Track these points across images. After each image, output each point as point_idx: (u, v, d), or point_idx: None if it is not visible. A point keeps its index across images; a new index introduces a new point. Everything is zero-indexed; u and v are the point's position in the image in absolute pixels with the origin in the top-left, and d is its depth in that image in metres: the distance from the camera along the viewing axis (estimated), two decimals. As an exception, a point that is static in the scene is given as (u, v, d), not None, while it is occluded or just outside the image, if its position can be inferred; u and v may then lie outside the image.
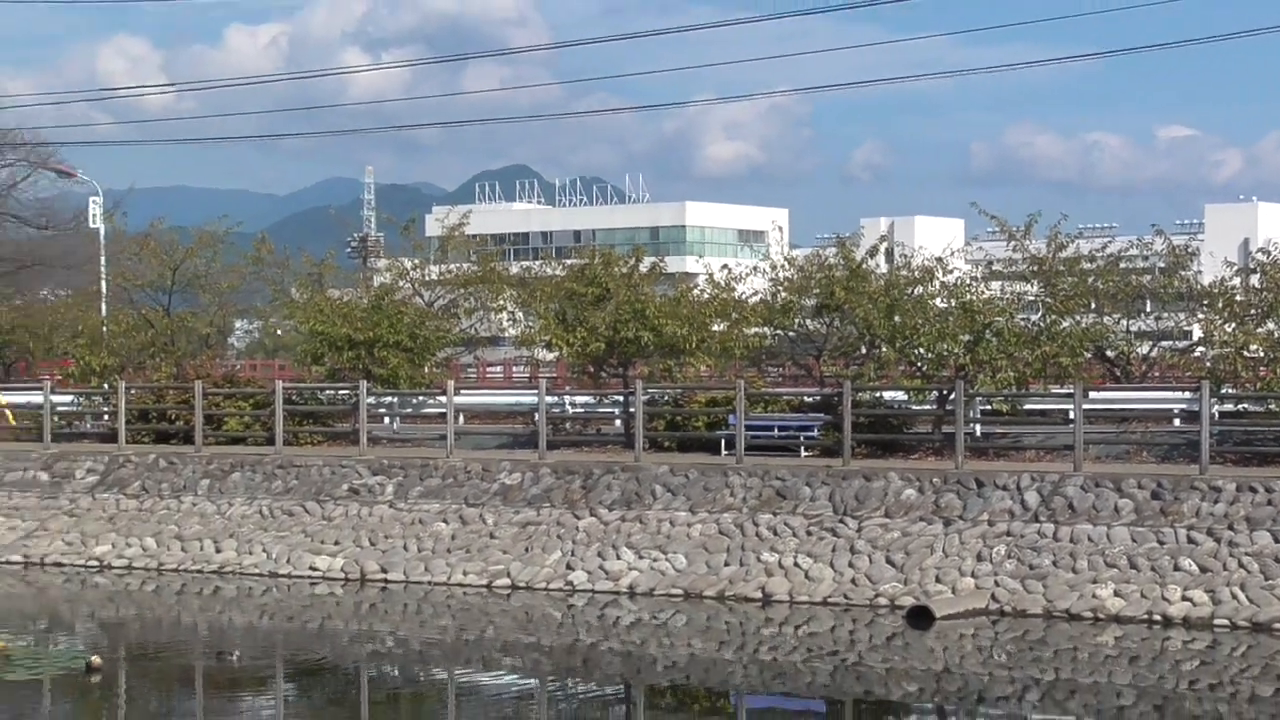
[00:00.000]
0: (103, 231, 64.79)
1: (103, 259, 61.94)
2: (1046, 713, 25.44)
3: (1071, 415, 36.00)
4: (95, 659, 27.42)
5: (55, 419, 47.07)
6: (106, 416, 48.09)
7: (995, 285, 45.17)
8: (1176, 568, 30.63)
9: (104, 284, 59.51)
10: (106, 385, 48.07)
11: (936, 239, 63.89)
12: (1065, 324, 39.63)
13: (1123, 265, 44.57)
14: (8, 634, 30.73)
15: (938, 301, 40.87)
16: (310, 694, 27.37)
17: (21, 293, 65.52)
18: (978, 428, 38.75)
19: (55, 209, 69.32)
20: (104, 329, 52.88)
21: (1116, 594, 30.49)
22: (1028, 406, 40.02)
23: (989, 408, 39.61)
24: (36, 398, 48.58)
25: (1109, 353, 42.13)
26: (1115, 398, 40.16)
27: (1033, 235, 43.33)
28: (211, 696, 26.94)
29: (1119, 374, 42.29)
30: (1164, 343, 44.10)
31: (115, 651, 29.42)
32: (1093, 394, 38.15)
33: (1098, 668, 27.51)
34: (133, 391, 46.10)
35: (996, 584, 31.45)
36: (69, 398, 49.95)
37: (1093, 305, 42.03)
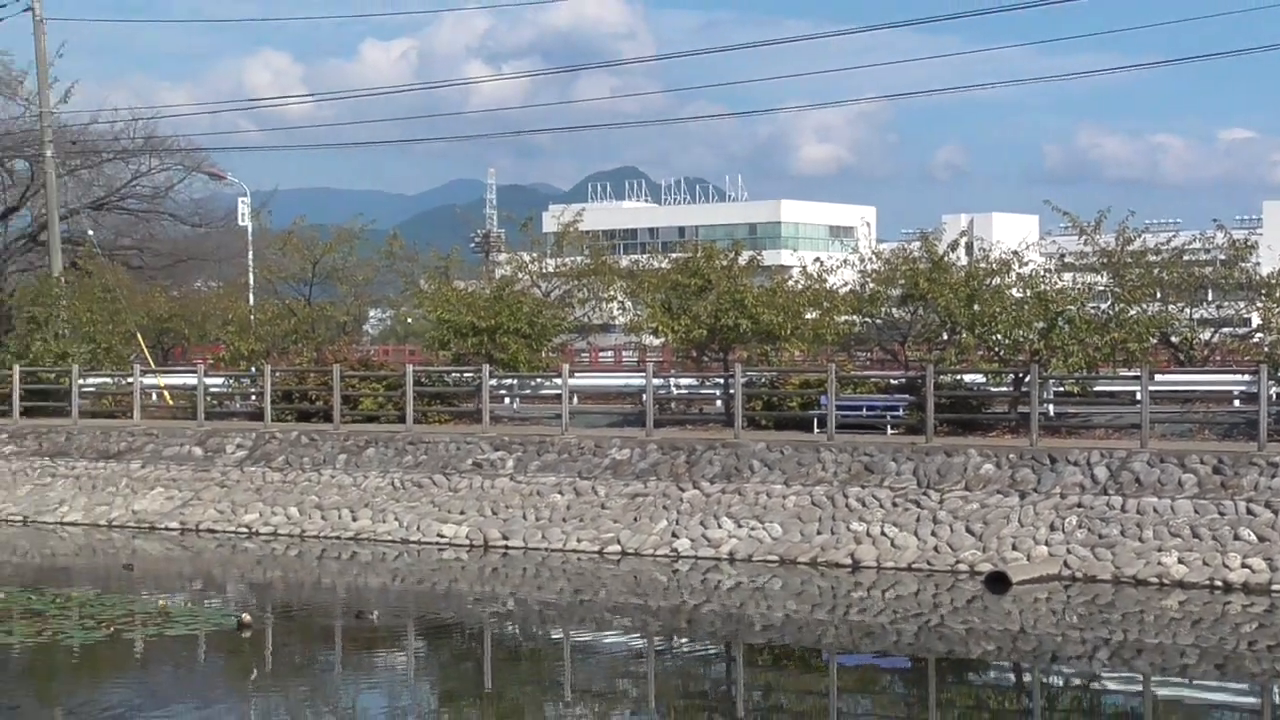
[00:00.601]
0: (250, 229, 65.26)
1: (250, 254, 62.38)
2: (1115, 671, 25.31)
3: (1138, 396, 35.74)
4: (245, 616, 27.63)
5: (208, 399, 47.44)
6: (254, 397, 48.44)
7: (1067, 276, 44.81)
8: (1236, 537, 30.37)
9: (251, 276, 59.92)
10: (254, 369, 48.42)
11: (1013, 233, 63.58)
12: (1133, 312, 39.33)
13: (1186, 258, 44.19)
14: (167, 593, 31.08)
15: (1014, 291, 40.63)
16: (439, 650, 27.50)
17: (178, 285, 66.06)
18: (1051, 408, 38.52)
19: (208, 209, 69.82)
20: (251, 317, 53.22)
21: (1180, 561, 30.28)
22: (1097, 388, 39.81)
23: (1061, 389, 39.37)
24: (191, 380, 49.05)
25: (1173, 338, 41.82)
26: (1179, 380, 39.86)
27: (1102, 230, 42.99)
28: (350, 651, 27.13)
29: (1182, 358, 41.97)
30: (1225, 329, 43.76)
31: (263, 610, 29.62)
32: (1158, 377, 37.85)
33: (1163, 630, 27.34)
34: (277, 374, 46.39)
35: (1068, 552, 31.30)
36: (220, 380, 50.37)
37: (1158, 295, 41.67)
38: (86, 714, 22.00)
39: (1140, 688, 24.22)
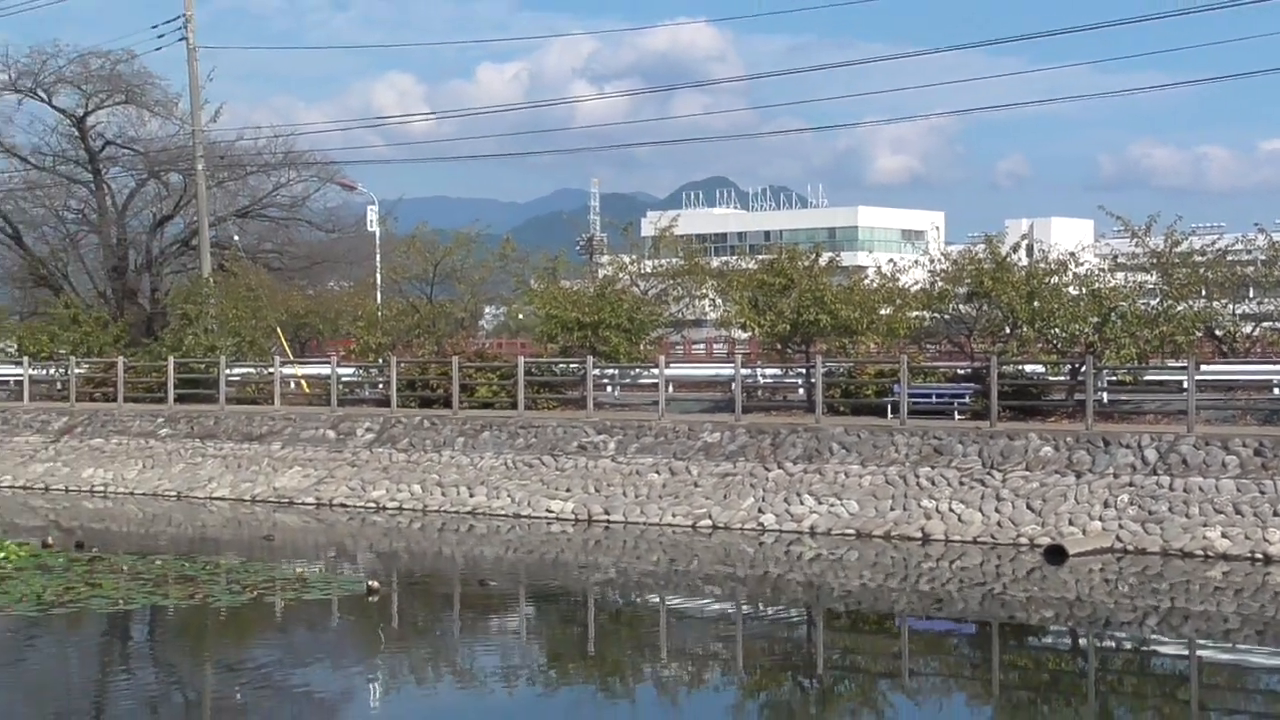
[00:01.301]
0: (378, 234, 65.60)
1: (378, 256, 62.67)
2: (1164, 635, 25.08)
3: (1185, 385, 35.41)
4: (374, 583, 27.78)
5: (340, 387, 47.74)
6: (381, 385, 48.65)
7: (1120, 275, 44.45)
8: (1276, 513, 30.02)
9: (379, 277, 60.22)
10: (381, 360, 48.63)
11: (1070, 236, 63.10)
12: (1180, 308, 38.99)
13: (1229, 258, 43.73)
14: (304, 562, 31.31)
15: (1071, 289, 40.35)
16: (547, 615, 27.56)
17: (313, 284, 66.44)
18: (1104, 395, 38.21)
19: (340, 216, 70.18)
20: (379, 314, 53.48)
21: (1224, 536, 29.99)
22: (1147, 377, 39.46)
23: (1114, 378, 39.05)
24: (325, 370, 49.33)
25: (1218, 332, 41.45)
26: (1223, 370, 39.50)
27: (1152, 233, 42.55)
28: (467, 614, 27.25)
29: (1226, 350, 41.60)
30: (1265, 323, 43.32)
31: (390, 577, 29.80)
32: (1203, 367, 37.52)
33: (1207, 598, 27.06)
34: (402, 365, 46.59)
35: (1120, 527, 31.06)
36: (351, 370, 50.62)
37: (1203, 292, 41.27)
38: (233, 670, 22.19)
39: (1186, 651, 23.98)
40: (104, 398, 52.55)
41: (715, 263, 58.26)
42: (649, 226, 66.57)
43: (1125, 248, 48.09)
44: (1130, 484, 32.05)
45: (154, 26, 58.01)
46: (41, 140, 65.69)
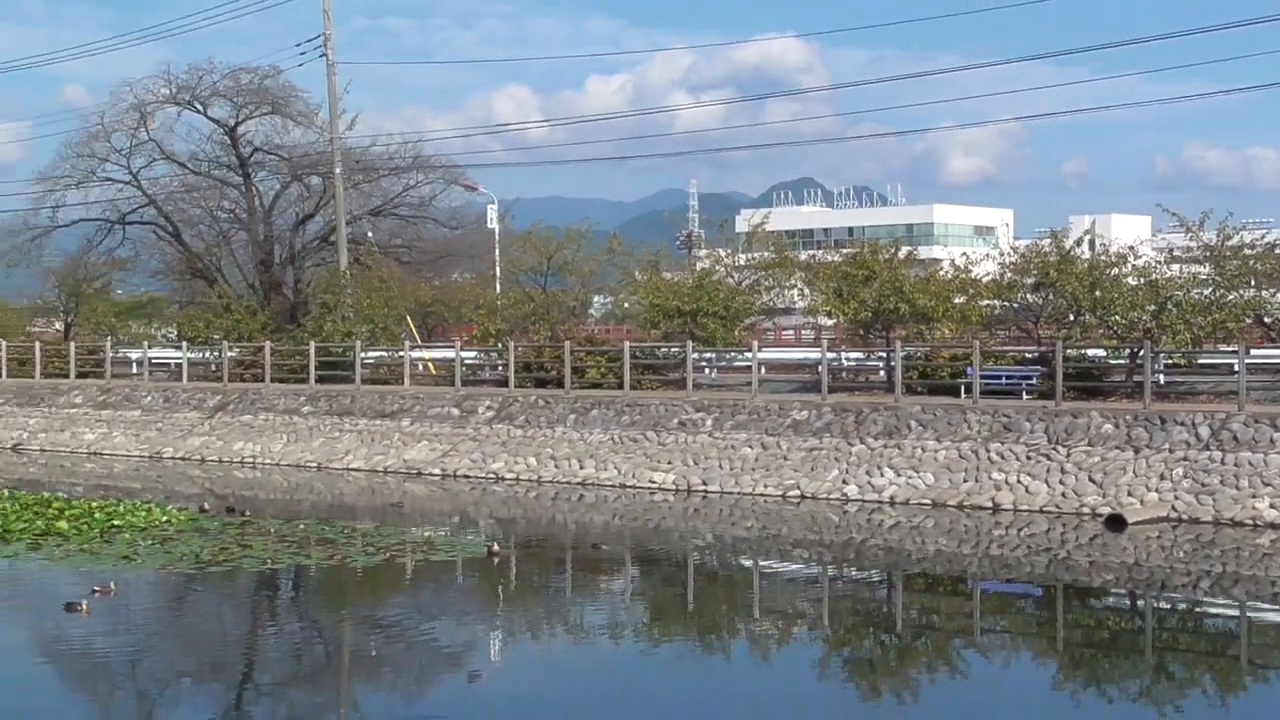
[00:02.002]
0: (497, 230, 65.68)
1: (497, 251, 62.74)
2: (1216, 596, 24.81)
3: (1236, 368, 34.99)
4: (494, 545, 27.92)
5: (463, 369, 47.95)
6: (500, 368, 48.77)
7: (1175, 267, 43.81)
8: (1320, 487, 29.69)
9: (498, 269, 60.29)
10: (500, 344, 48.79)
11: (1129, 231, 62.20)
12: (1231, 297, 38.44)
13: (1277, 251, 43.05)
14: (431, 526, 31.50)
15: (1130, 280, 39.98)
16: (651, 575, 27.60)
17: (439, 276, 66.62)
18: (1161, 377, 37.76)
19: (463, 214, 70.24)
20: (498, 303, 53.62)
21: (1271, 506, 29.61)
22: (1201, 361, 38.98)
23: (1170, 362, 38.61)
24: (449, 354, 49.57)
25: (1266, 319, 40.80)
26: (1271, 354, 38.94)
27: (1205, 228, 41.90)
28: (579, 574, 27.35)
29: (1274, 335, 41.00)
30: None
31: (508, 541, 29.91)
32: (1253, 351, 37.00)
33: (1256, 563, 26.73)
34: (519, 349, 46.73)
35: (1176, 498, 30.72)
36: (473, 354, 50.82)
37: (1253, 282, 40.61)
38: (368, 624, 22.40)
39: (1237, 612, 23.72)
40: (253, 378, 53.07)
41: (803, 256, 58.00)
42: (742, 223, 66.55)
43: (1180, 242, 47.30)
44: (1185, 458, 31.66)
45: (297, 45, 58.75)
46: (198, 148, 66.38)
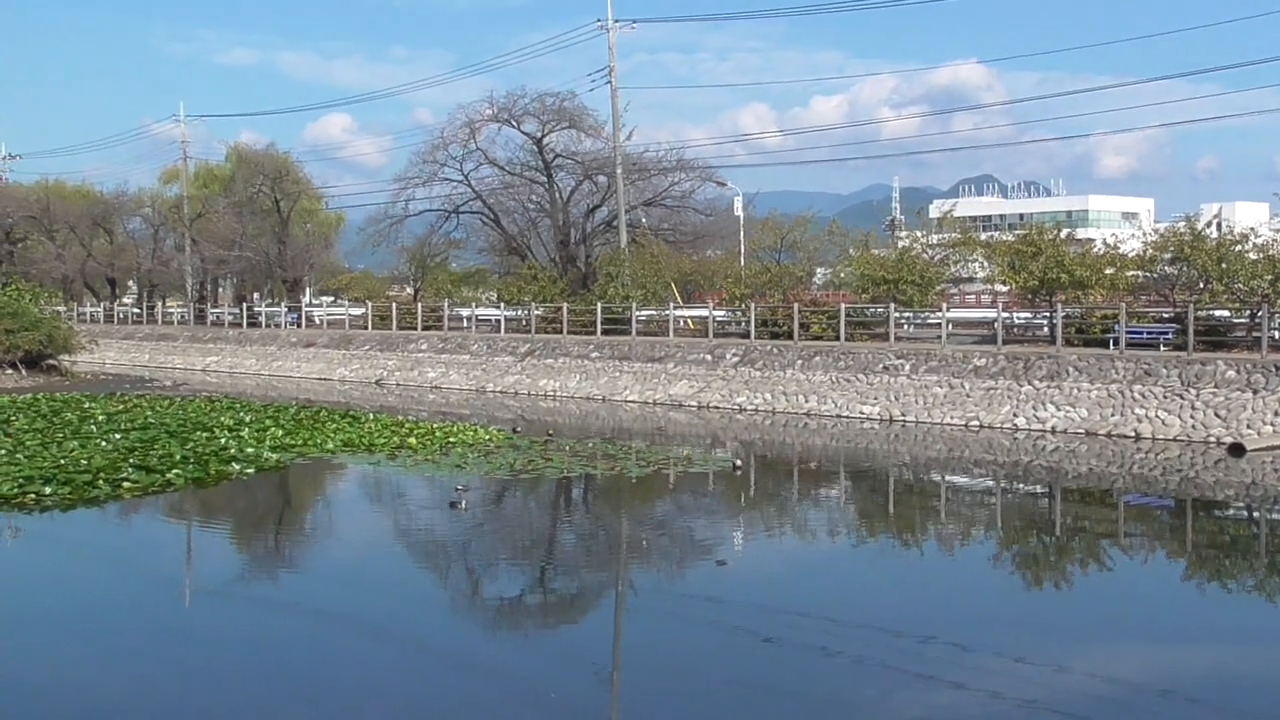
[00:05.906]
0: (742, 217, 65.73)
1: (741, 233, 62.78)
2: (1320, 512, 23.92)
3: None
4: (738, 462, 28.23)
5: (715, 324, 48.26)
6: (743, 324, 48.95)
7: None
8: None
9: (742, 247, 60.41)
10: (743, 305, 48.96)
11: (1251, 216, 59.68)
12: (1338, 267, 36.83)
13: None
14: (689, 446, 31.91)
15: (1250, 255, 38.64)
16: (859, 486, 27.61)
17: (697, 253, 66.88)
18: (1276, 334, 36.28)
19: (715, 205, 70.33)
20: (742, 273, 53.81)
21: (1370, 439, 28.36)
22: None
23: (1286, 320, 37.13)
24: (704, 313, 49.95)
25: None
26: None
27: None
28: (804, 484, 27.49)
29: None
30: None
31: (749, 458, 30.17)
32: (1357, 312, 35.36)
33: (1356, 485, 25.66)
34: (758, 309, 46.88)
35: (1289, 431, 29.63)
36: (722, 313, 51.08)
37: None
38: (640, 520, 22.87)
39: (1338, 524, 22.84)
40: (553, 331, 54.13)
41: (983, 237, 57.06)
42: (935, 211, 65.40)
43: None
44: (1297, 399, 30.48)
45: (589, 75, 60.00)
46: (513, 155, 67.73)
